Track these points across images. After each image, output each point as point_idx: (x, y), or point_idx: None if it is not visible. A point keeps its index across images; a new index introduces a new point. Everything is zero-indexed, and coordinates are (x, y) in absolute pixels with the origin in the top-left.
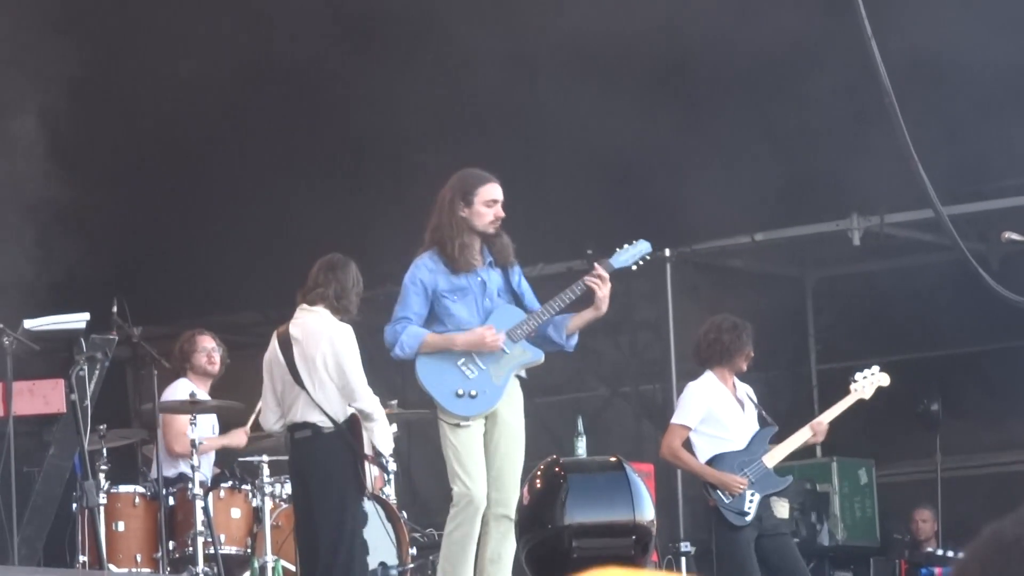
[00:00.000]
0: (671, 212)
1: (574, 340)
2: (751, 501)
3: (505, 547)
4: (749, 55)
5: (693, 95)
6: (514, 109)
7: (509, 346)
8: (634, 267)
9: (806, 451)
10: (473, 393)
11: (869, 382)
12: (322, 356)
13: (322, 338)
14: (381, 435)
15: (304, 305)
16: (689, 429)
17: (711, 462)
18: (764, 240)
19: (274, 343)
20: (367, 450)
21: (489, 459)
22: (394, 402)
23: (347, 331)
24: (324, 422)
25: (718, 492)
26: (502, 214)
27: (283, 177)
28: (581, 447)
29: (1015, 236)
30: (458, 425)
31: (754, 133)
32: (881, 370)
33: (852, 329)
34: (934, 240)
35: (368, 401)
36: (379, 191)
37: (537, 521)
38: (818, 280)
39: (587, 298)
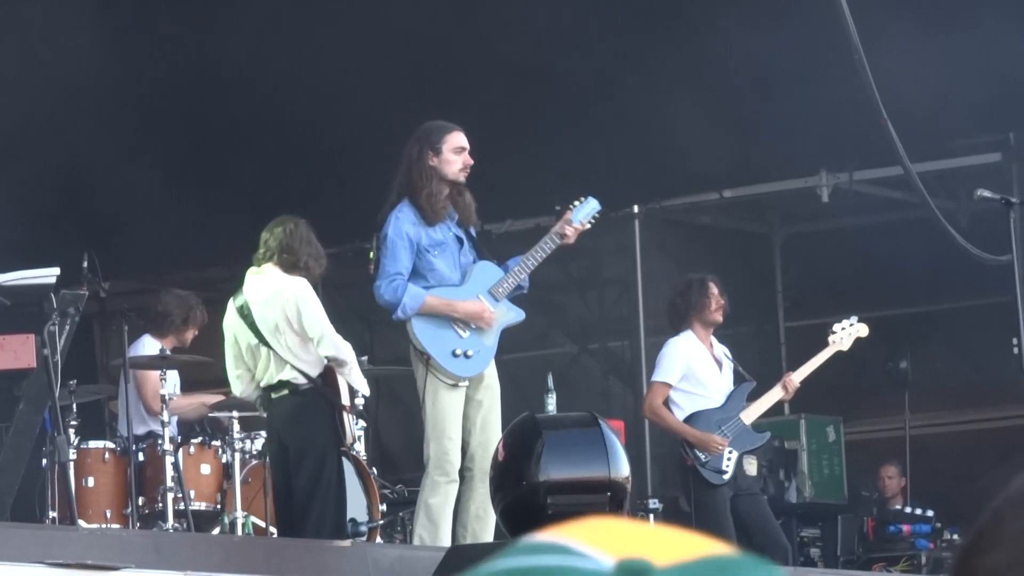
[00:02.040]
0: (640, 168)
1: (527, 280)
2: (729, 459)
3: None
4: (714, 9)
5: (655, 50)
6: (476, 61)
7: (494, 305)
8: (588, 224)
9: (774, 408)
10: (469, 353)
11: (847, 333)
12: (283, 312)
13: (278, 295)
14: (357, 378)
15: (253, 268)
16: (670, 386)
17: (689, 420)
18: (732, 196)
19: (231, 311)
20: (344, 400)
21: (473, 417)
22: (364, 358)
23: (301, 282)
24: (298, 378)
25: (696, 451)
26: (471, 161)
27: (250, 132)
28: (551, 404)
29: (987, 193)
30: (456, 385)
31: (722, 89)
32: (859, 320)
33: (820, 286)
34: (903, 197)
35: (338, 347)
36: (347, 146)
37: (512, 477)
38: (786, 237)
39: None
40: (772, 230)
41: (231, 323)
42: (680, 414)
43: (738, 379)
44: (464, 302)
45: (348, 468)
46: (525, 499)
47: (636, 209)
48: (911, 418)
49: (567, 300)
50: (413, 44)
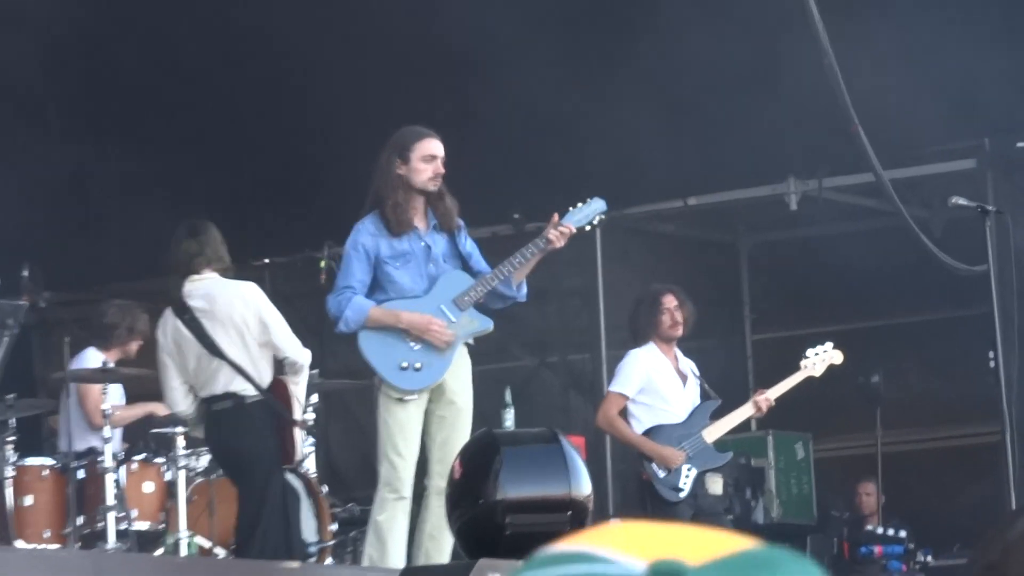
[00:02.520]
0: (600, 175)
1: (524, 289)
2: (687, 476)
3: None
4: (675, 11)
5: (613, 54)
6: (435, 67)
7: (456, 315)
8: (588, 227)
9: (741, 425)
10: (418, 365)
11: (821, 359)
12: (241, 317)
13: (234, 300)
14: (301, 391)
15: (192, 276)
16: (626, 398)
17: (648, 434)
18: (697, 204)
19: (172, 322)
20: (296, 414)
21: (434, 432)
22: (314, 372)
23: (255, 287)
24: (247, 389)
25: (653, 465)
26: (442, 170)
27: (194, 140)
28: (509, 419)
29: (962, 201)
30: (401, 400)
31: (686, 93)
32: (834, 347)
33: (788, 298)
34: (875, 206)
35: (298, 350)
36: (298, 154)
37: (469, 495)
38: (753, 246)
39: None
40: (738, 239)
41: (174, 334)
42: (639, 428)
43: (704, 396)
44: (410, 313)
45: (297, 486)
46: (482, 518)
47: (600, 217)
48: (883, 435)
49: (525, 311)
50: (370, 51)
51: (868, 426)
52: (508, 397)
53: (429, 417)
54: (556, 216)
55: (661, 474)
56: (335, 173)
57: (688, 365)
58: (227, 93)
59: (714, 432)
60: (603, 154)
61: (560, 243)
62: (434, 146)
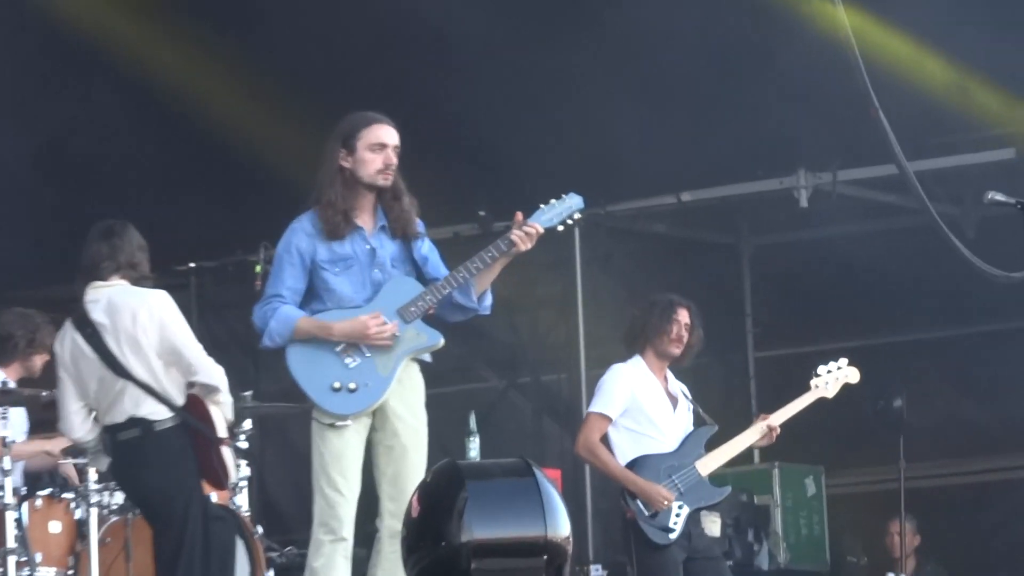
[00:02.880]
0: (580, 166)
1: (488, 300)
2: (678, 515)
3: (397, 570)
4: None
5: (600, 28)
6: (391, 52)
7: (401, 327)
8: (561, 227)
9: (742, 455)
10: (352, 386)
11: (834, 377)
12: (143, 331)
13: (139, 311)
14: (229, 408)
15: (95, 283)
16: (609, 420)
17: (633, 465)
18: (692, 201)
19: (72, 336)
20: (221, 432)
21: (383, 465)
22: (247, 393)
23: (164, 296)
24: (157, 413)
25: (638, 502)
26: (393, 161)
27: (111, 133)
28: (473, 448)
29: (1000, 197)
30: (333, 425)
31: (676, 72)
32: (849, 363)
33: (797, 309)
34: (897, 202)
35: (210, 371)
36: (222, 146)
37: (429, 536)
38: (757, 249)
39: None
40: (740, 241)
41: (72, 350)
42: (622, 457)
43: (697, 421)
44: (340, 323)
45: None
46: (444, 563)
47: (576, 216)
48: (907, 467)
49: (492, 324)
50: (319, 37)
51: (890, 457)
52: (472, 423)
53: (375, 448)
54: (520, 215)
55: (647, 513)
56: (272, 166)
57: (679, 387)
58: (147, 78)
59: (710, 463)
60: (581, 143)
61: (526, 245)
62: (384, 133)
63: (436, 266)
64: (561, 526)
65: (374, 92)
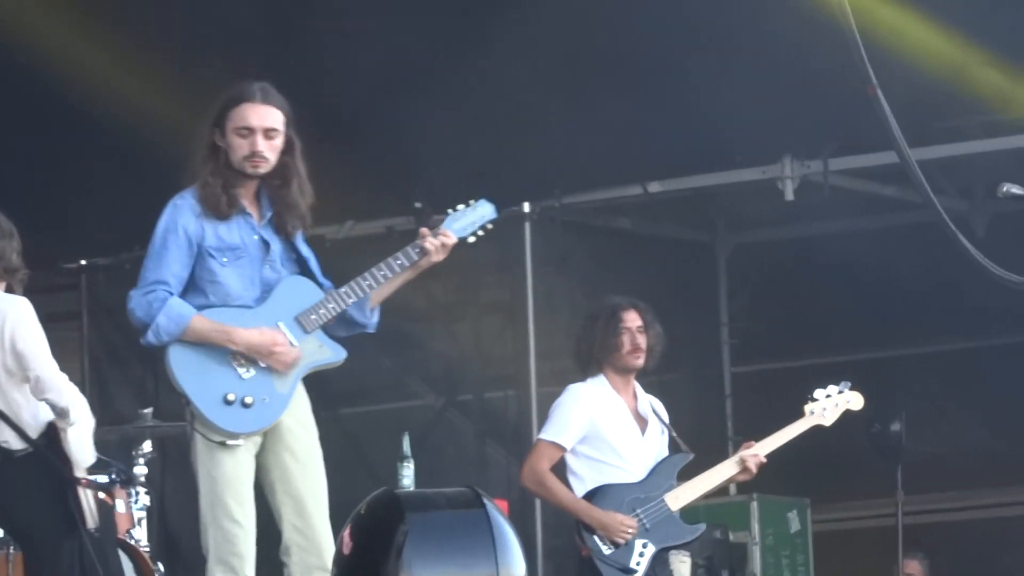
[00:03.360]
0: (531, 152)
1: (376, 317)
2: (641, 554)
3: None
4: None
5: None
6: (328, 26)
7: (299, 337)
8: (471, 239)
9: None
10: (248, 400)
11: (833, 403)
12: None
13: None
14: (77, 440)
15: None
16: (562, 449)
17: (591, 496)
18: (661, 192)
19: None
20: (77, 470)
21: (279, 489)
22: (147, 411)
23: (22, 304)
24: (11, 442)
25: (595, 538)
26: (260, 148)
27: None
28: (407, 476)
29: (1016, 190)
30: (223, 444)
31: (648, 48)
32: (852, 388)
33: (781, 317)
34: (897, 195)
35: (60, 391)
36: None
37: None
38: (735, 248)
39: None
40: (716, 239)
41: None
42: (581, 489)
43: (671, 447)
44: (247, 331)
45: (125, 565)
46: None
47: (527, 208)
48: (906, 500)
49: (429, 333)
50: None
51: (886, 488)
52: (406, 447)
53: (267, 470)
54: (425, 230)
55: (607, 551)
56: (173, 152)
57: (650, 405)
58: (22, 59)
59: (682, 497)
60: (533, 127)
61: (439, 256)
62: (252, 114)
63: (317, 270)
64: (515, 565)
65: (300, 68)
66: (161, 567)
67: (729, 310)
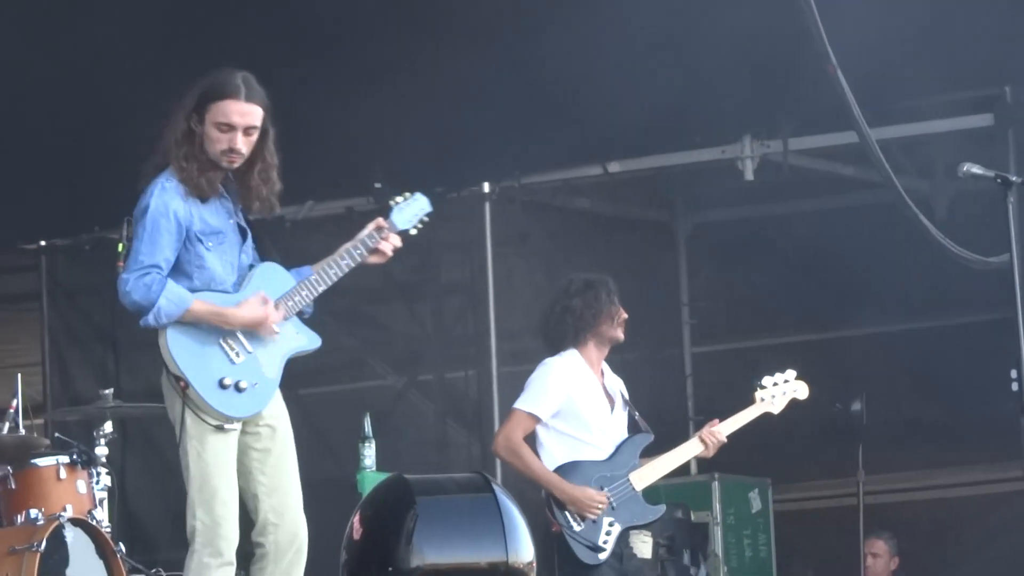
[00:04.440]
0: (490, 131)
1: (311, 308)
2: (608, 532)
3: None
4: None
5: None
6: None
7: (279, 324)
8: (413, 231)
9: (679, 467)
10: (243, 385)
11: (780, 391)
12: None
13: None
14: None
15: None
16: (537, 420)
17: (561, 471)
18: (621, 172)
19: None
20: None
21: (256, 473)
22: (107, 392)
23: None
24: None
25: (566, 514)
26: (238, 146)
27: None
28: (368, 456)
29: (977, 170)
30: (220, 428)
31: (602, 21)
32: (797, 378)
33: (741, 298)
34: (857, 175)
35: None
36: (73, 110)
37: (373, 562)
38: (695, 228)
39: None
40: (675, 219)
41: None
42: (550, 462)
43: (632, 428)
44: (239, 309)
45: (85, 544)
46: None
47: (487, 188)
48: (867, 480)
49: (389, 314)
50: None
51: (846, 469)
52: (367, 428)
53: (246, 455)
54: (380, 220)
55: (577, 527)
56: (136, 129)
57: (617, 385)
58: None
59: (645, 477)
60: (490, 106)
61: (385, 257)
62: (235, 111)
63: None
64: (524, 549)
65: (258, 45)
66: (122, 547)
67: (689, 290)
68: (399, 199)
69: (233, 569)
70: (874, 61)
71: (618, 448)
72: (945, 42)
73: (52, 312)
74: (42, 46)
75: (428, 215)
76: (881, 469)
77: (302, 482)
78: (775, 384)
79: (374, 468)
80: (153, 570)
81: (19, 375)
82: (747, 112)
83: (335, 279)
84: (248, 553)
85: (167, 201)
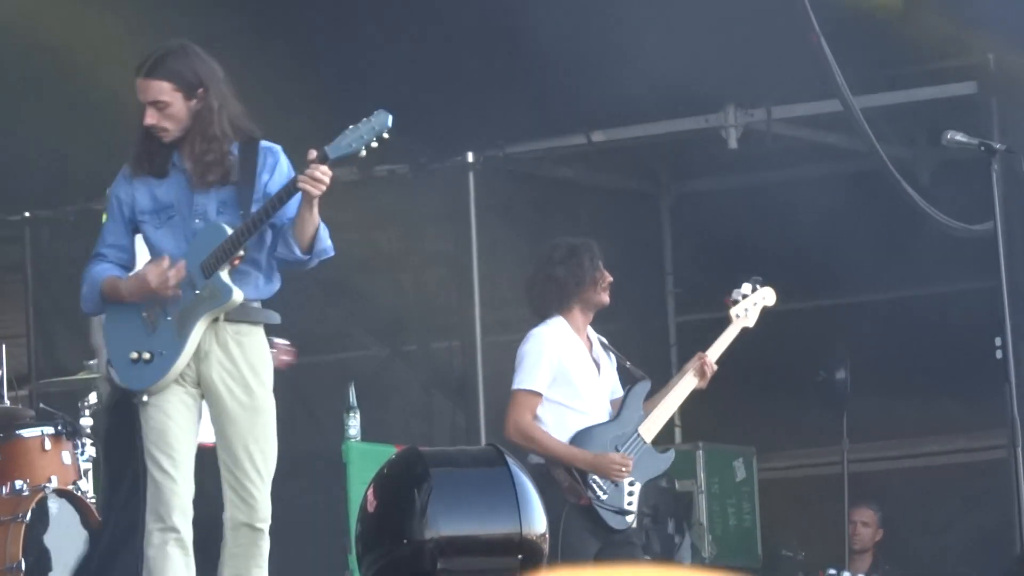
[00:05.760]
0: (473, 102)
1: (322, 244)
2: (631, 493)
3: (251, 566)
4: None
5: None
6: None
7: (201, 283)
8: (364, 152)
9: (661, 434)
10: (147, 356)
11: (751, 302)
12: None
13: None
14: None
15: None
16: (539, 396)
17: (575, 442)
18: (605, 142)
19: None
20: None
21: (217, 448)
22: (92, 363)
23: None
24: None
25: (592, 484)
26: (151, 121)
27: None
28: (353, 426)
29: (961, 137)
30: (144, 402)
31: None
32: (762, 284)
33: (725, 267)
34: (841, 143)
35: None
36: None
37: (388, 534)
38: (679, 198)
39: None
40: (659, 188)
41: None
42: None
43: (625, 378)
44: (125, 279)
45: (71, 515)
46: (406, 562)
47: (471, 158)
48: (851, 449)
49: (373, 283)
50: None
51: (831, 437)
52: (352, 398)
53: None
54: (313, 151)
55: (603, 496)
56: (122, 96)
57: (599, 342)
58: None
59: (653, 427)
60: (473, 73)
61: (316, 191)
62: (138, 89)
63: (291, 206)
64: (537, 522)
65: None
66: None
67: (673, 259)
68: (353, 125)
69: (176, 535)
70: (857, 29)
71: (623, 405)
72: (929, 7)
73: (36, 283)
74: (33, 19)
75: (388, 131)
76: (865, 438)
77: (287, 453)
78: (744, 296)
79: (359, 438)
80: None
81: (3, 346)
82: (730, 81)
83: (256, 227)
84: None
85: (113, 188)
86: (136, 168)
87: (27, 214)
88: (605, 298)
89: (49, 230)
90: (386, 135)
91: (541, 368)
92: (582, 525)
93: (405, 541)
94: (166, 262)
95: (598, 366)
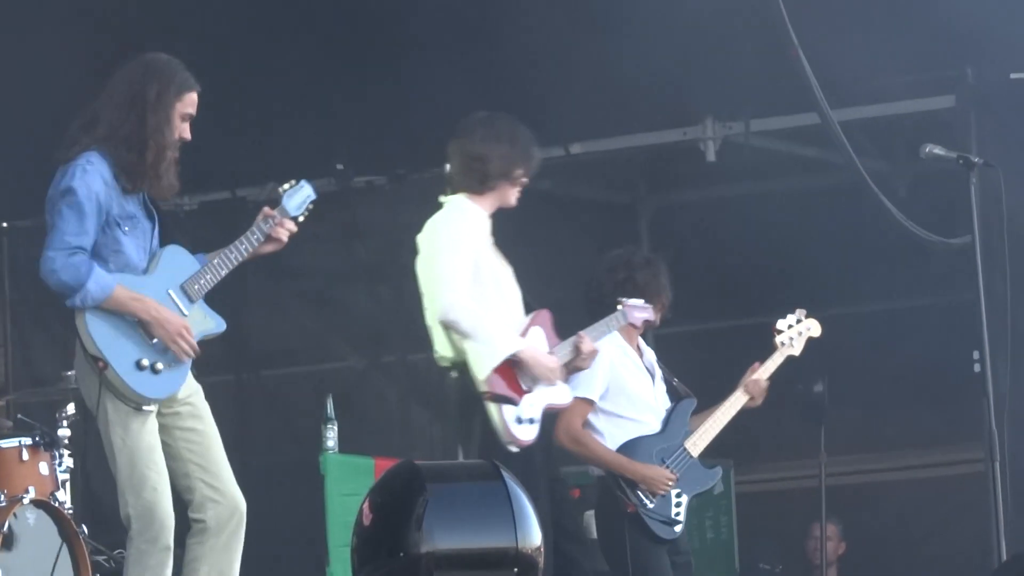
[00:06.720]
0: (450, 113)
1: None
2: (679, 504)
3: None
4: None
5: None
6: None
7: (187, 306)
8: (301, 218)
9: None
10: (159, 366)
11: (797, 332)
12: None
13: None
14: None
15: None
16: (592, 404)
17: (622, 451)
18: (583, 153)
19: None
20: None
21: (184, 452)
22: (70, 373)
23: None
24: None
25: (639, 492)
26: (188, 134)
27: None
28: (331, 438)
29: (937, 150)
30: (139, 409)
31: (567, 9)
32: (808, 315)
33: (703, 278)
34: (819, 156)
35: None
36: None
37: (383, 547)
38: (657, 210)
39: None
40: (637, 200)
41: None
42: (608, 445)
43: (673, 395)
44: (161, 306)
45: (48, 526)
46: None
47: (448, 168)
48: (828, 462)
49: (351, 294)
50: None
51: (809, 450)
52: (330, 409)
53: (170, 433)
54: (267, 208)
55: (650, 504)
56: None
57: (651, 357)
58: None
59: (699, 443)
60: (452, 84)
61: (282, 243)
62: (195, 102)
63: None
64: (533, 535)
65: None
66: (85, 529)
67: None
68: (286, 186)
69: (170, 553)
70: (836, 43)
71: (668, 419)
72: (909, 22)
73: (14, 293)
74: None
75: (312, 202)
76: (843, 451)
77: (265, 463)
78: (790, 327)
79: (336, 450)
80: (116, 551)
81: None
82: (709, 93)
83: (236, 263)
84: (184, 529)
85: (89, 184)
86: (139, 183)
87: (4, 224)
88: (658, 319)
89: (27, 239)
90: (311, 206)
91: (595, 376)
92: (637, 533)
93: (401, 554)
94: (193, 332)
95: (652, 375)
